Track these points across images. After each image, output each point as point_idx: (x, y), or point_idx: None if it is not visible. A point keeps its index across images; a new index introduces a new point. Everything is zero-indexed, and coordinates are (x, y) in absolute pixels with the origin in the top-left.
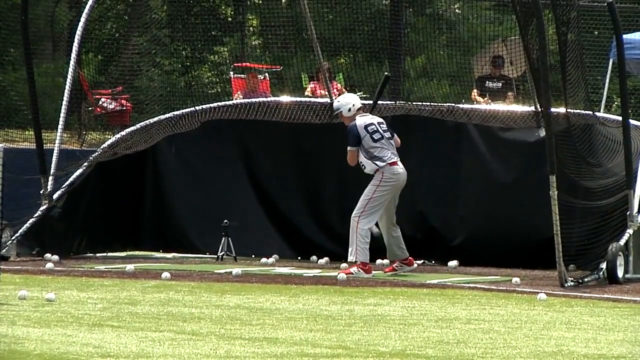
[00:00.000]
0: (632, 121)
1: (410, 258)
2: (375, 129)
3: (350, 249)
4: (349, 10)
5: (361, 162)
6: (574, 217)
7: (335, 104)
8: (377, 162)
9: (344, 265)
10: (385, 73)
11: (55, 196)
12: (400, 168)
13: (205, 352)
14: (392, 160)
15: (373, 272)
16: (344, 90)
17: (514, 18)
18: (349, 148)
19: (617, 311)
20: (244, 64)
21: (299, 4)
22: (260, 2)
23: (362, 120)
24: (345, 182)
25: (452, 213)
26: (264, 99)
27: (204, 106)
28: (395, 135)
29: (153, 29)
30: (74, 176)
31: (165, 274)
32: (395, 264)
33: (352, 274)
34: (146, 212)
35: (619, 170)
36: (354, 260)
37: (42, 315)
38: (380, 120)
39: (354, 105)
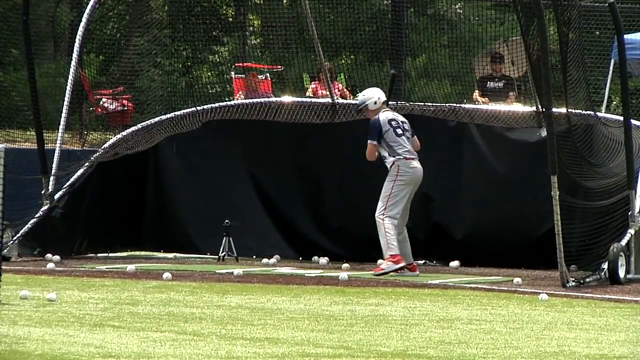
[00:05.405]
0: (633, 121)
1: (413, 264)
2: (398, 124)
3: (383, 249)
4: (350, 10)
5: (384, 156)
6: (575, 217)
7: (361, 98)
8: (395, 156)
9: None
10: (392, 71)
11: (56, 196)
12: (416, 163)
13: (207, 353)
14: (408, 156)
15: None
16: (345, 90)
17: (516, 18)
18: (369, 141)
19: (619, 311)
20: (245, 64)
21: (300, 4)
22: (261, 2)
23: (385, 115)
24: (347, 182)
25: (453, 213)
26: (266, 99)
27: (205, 106)
28: (416, 137)
29: (154, 30)
30: (75, 176)
31: (167, 274)
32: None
33: (383, 269)
34: (147, 212)
35: (620, 170)
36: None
37: (43, 315)
38: (404, 119)
39: (379, 98)
